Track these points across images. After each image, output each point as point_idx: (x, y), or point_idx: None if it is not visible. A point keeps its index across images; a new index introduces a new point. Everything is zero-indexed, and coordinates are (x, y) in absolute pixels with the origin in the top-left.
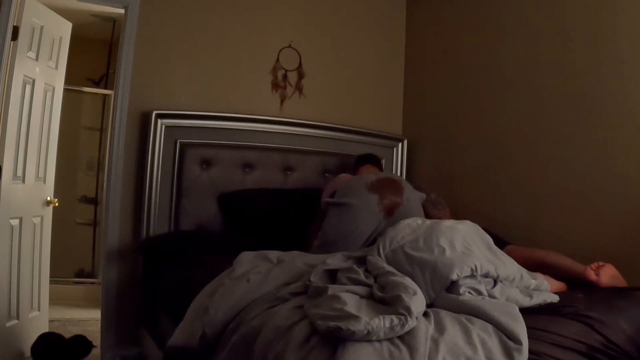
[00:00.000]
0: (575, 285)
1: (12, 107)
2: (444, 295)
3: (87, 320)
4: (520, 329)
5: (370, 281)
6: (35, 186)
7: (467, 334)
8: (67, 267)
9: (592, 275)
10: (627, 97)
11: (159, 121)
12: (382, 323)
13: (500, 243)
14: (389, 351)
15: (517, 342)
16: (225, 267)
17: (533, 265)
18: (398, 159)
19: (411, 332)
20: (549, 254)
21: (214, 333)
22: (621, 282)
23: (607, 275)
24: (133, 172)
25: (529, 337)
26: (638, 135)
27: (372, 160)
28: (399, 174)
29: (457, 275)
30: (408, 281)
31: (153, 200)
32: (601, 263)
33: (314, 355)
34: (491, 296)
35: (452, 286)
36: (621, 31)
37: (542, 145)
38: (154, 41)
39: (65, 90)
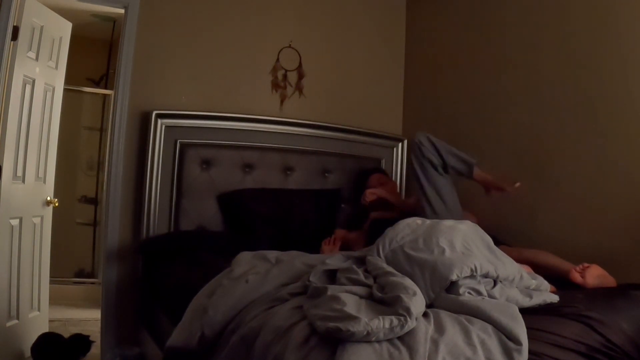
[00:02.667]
0: (566, 285)
1: (12, 107)
2: (444, 295)
3: (87, 320)
4: (520, 329)
5: (370, 281)
6: (35, 186)
7: (466, 334)
8: (67, 267)
9: (577, 277)
10: (629, 98)
11: (159, 121)
12: (381, 324)
13: (493, 243)
14: (389, 352)
15: (517, 342)
16: (224, 267)
17: None
18: (398, 159)
19: (411, 333)
20: (537, 254)
21: (213, 334)
22: (609, 281)
23: (593, 276)
24: (133, 172)
25: (529, 338)
26: (637, 136)
27: (377, 170)
28: (399, 174)
29: (457, 275)
30: (408, 282)
31: (153, 200)
32: (586, 265)
33: (313, 356)
34: (491, 296)
35: (452, 286)
36: (623, 32)
37: (543, 146)
38: (154, 41)
39: (65, 90)
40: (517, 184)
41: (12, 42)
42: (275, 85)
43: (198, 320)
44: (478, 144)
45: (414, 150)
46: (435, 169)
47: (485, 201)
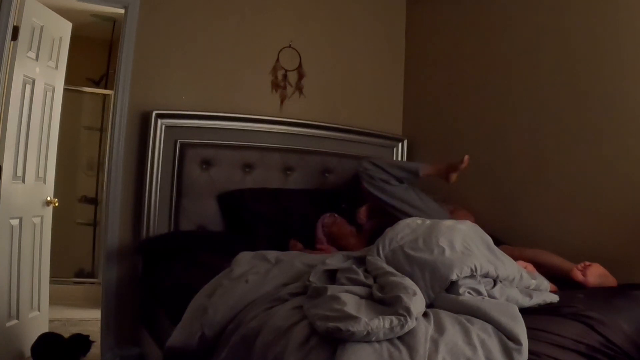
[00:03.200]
0: (567, 284)
1: (12, 107)
2: (444, 295)
3: (87, 320)
4: (520, 329)
5: (370, 281)
6: (35, 186)
7: (466, 334)
8: (67, 267)
9: (578, 275)
10: (627, 98)
11: (159, 121)
12: (381, 324)
13: (494, 243)
14: (389, 352)
15: (517, 342)
16: (224, 268)
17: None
18: (398, 159)
19: (411, 333)
20: (538, 253)
21: (213, 334)
22: (610, 280)
23: (594, 275)
24: (133, 172)
25: (529, 338)
26: (637, 136)
27: None
28: None
29: (457, 275)
30: (407, 281)
31: (153, 200)
32: (587, 263)
33: (313, 356)
34: (491, 296)
35: (452, 286)
36: (622, 31)
37: (542, 145)
38: (154, 41)
39: (65, 90)
40: (466, 157)
41: (12, 42)
42: (275, 85)
43: (198, 320)
44: (477, 144)
45: (364, 178)
46: (389, 182)
47: (483, 201)
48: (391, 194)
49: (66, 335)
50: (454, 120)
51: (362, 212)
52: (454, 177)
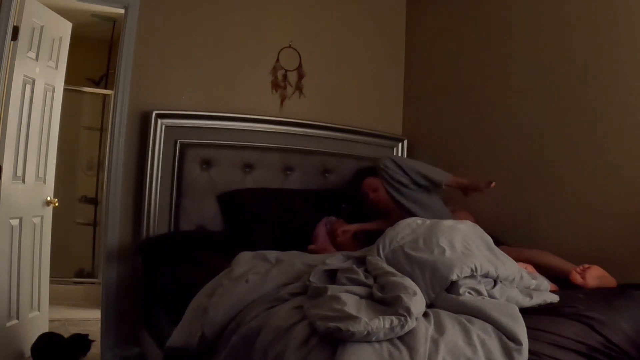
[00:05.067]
0: (567, 284)
1: (12, 107)
2: (444, 295)
3: (87, 320)
4: (520, 329)
5: (370, 281)
6: (35, 186)
7: (467, 334)
8: (67, 267)
9: (577, 278)
10: (628, 101)
11: (159, 121)
12: (381, 324)
13: (494, 243)
14: (389, 352)
15: (517, 342)
16: (224, 268)
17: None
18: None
19: (411, 333)
20: (537, 254)
21: (213, 334)
22: (609, 281)
23: (593, 277)
24: (133, 172)
25: (529, 338)
26: (637, 137)
27: (372, 171)
28: None
29: (457, 275)
30: (408, 281)
31: (153, 200)
32: (587, 265)
33: (313, 356)
34: (491, 296)
35: (452, 286)
36: (622, 31)
37: (542, 145)
38: (154, 41)
39: (65, 90)
40: (492, 184)
41: (12, 42)
42: (275, 85)
43: (198, 320)
44: (477, 144)
45: (382, 176)
46: (407, 187)
47: (483, 201)
48: (406, 196)
49: (66, 335)
50: (454, 120)
51: (341, 232)
52: (472, 195)
